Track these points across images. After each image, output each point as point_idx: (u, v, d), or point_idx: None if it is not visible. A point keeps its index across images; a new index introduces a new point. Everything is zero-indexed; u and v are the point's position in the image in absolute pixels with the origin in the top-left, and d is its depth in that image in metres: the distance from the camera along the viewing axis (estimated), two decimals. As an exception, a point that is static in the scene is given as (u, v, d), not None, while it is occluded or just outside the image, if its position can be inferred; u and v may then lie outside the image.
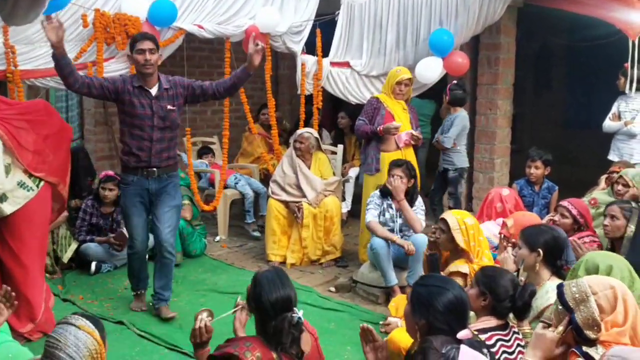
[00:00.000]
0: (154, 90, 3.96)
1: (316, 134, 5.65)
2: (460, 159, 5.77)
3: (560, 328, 2.13)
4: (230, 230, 6.22)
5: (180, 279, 4.85)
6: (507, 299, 2.62)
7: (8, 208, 3.51)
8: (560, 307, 2.16)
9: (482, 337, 2.48)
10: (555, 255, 3.13)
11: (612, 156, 5.54)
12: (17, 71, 4.39)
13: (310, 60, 5.90)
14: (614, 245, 3.74)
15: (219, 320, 2.57)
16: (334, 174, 5.73)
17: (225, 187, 6.16)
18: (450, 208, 5.54)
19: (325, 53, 6.00)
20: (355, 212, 6.22)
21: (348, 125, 6.86)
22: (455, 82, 5.80)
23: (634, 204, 3.74)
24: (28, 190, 3.58)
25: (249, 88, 6.93)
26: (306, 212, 5.29)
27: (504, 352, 2.48)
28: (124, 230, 4.96)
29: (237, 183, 6.21)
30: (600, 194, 4.66)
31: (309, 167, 5.50)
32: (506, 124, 6.35)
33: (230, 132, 6.08)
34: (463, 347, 2.06)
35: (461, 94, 5.71)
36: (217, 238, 6.05)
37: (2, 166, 3.45)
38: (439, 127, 5.91)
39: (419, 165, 5.25)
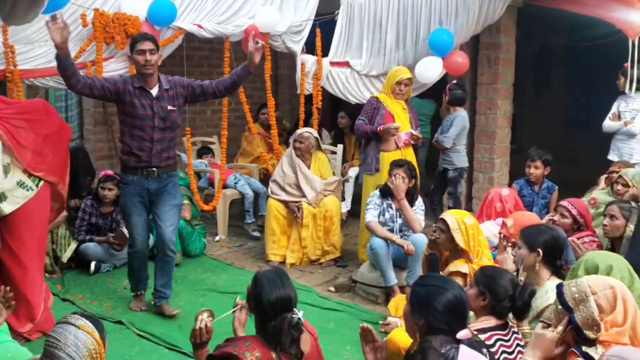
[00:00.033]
0: (154, 91, 3.97)
1: (316, 134, 5.64)
2: (460, 159, 5.77)
3: (560, 328, 2.13)
4: (229, 230, 6.22)
5: (179, 278, 4.84)
6: (506, 299, 2.61)
7: (7, 208, 3.51)
8: (559, 307, 2.16)
9: (482, 337, 2.48)
10: (555, 255, 3.13)
11: (612, 156, 5.54)
12: (17, 71, 4.39)
13: (310, 59, 5.89)
14: (614, 245, 3.74)
15: (219, 320, 2.57)
16: (333, 173, 5.73)
17: (225, 186, 6.16)
18: (449, 208, 5.54)
19: (325, 53, 5.99)
20: (355, 212, 6.21)
21: (348, 125, 6.86)
22: (455, 81, 5.80)
23: (633, 204, 3.74)
24: (27, 190, 3.58)
25: (248, 88, 6.93)
26: (306, 212, 5.29)
27: (503, 352, 2.48)
28: (124, 230, 4.96)
29: (236, 183, 6.21)
30: (600, 193, 4.66)
31: (309, 167, 5.50)
32: (506, 123, 6.35)
33: (230, 132, 6.08)
34: (462, 347, 2.06)
35: (461, 93, 5.70)
36: (217, 238, 6.04)
37: (1, 166, 3.45)
38: (439, 127, 5.90)
39: (418, 165, 5.25)
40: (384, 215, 4.58)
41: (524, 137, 8.55)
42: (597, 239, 3.97)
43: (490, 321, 2.59)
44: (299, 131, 5.62)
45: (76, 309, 4.20)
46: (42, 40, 4.49)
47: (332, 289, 4.81)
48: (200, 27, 5.22)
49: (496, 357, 2.45)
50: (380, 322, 4.03)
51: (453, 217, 3.66)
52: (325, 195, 5.40)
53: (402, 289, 4.38)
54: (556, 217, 4.14)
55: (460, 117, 5.69)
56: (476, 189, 6.47)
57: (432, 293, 2.25)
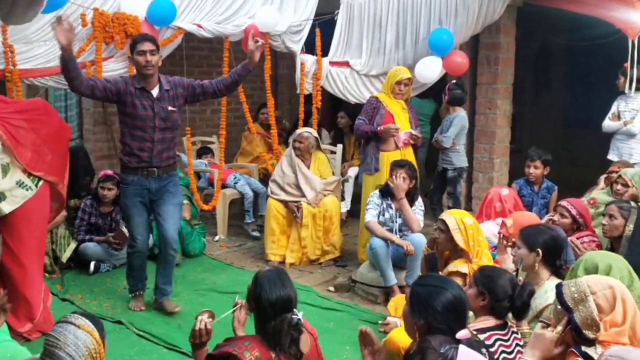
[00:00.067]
0: (155, 92, 3.98)
1: (315, 134, 5.64)
2: (459, 159, 5.77)
3: (559, 328, 2.13)
4: (229, 230, 6.22)
5: (179, 278, 4.84)
6: (505, 299, 2.61)
7: (6, 207, 3.51)
8: (559, 306, 2.16)
9: (481, 336, 2.48)
10: (555, 255, 3.13)
11: (612, 156, 5.54)
12: (16, 70, 4.39)
13: (309, 59, 5.89)
14: (613, 245, 3.74)
15: (219, 320, 2.56)
16: (333, 173, 5.73)
17: (225, 186, 6.16)
18: (449, 208, 5.54)
19: (325, 52, 5.99)
20: (355, 212, 6.21)
21: (347, 125, 6.86)
22: (454, 81, 5.80)
23: (632, 204, 3.74)
24: (27, 190, 3.58)
25: (248, 87, 6.93)
26: (305, 212, 5.29)
27: (502, 351, 2.48)
28: (124, 229, 4.97)
29: (236, 183, 6.21)
30: (599, 193, 4.66)
31: (308, 167, 5.50)
32: (505, 123, 6.35)
33: (230, 132, 6.08)
34: (461, 346, 2.06)
35: (460, 93, 5.70)
36: (217, 238, 6.04)
37: (0, 165, 3.45)
38: (439, 127, 5.90)
39: (418, 164, 5.25)
40: (383, 215, 4.58)
41: (524, 137, 8.55)
42: (596, 239, 3.97)
43: (490, 321, 2.59)
44: (298, 131, 5.62)
45: (76, 309, 4.20)
46: (41, 39, 4.49)
47: (332, 288, 4.81)
48: (199, 26, 5.22)
49: (495, 357, 2.45)
50: (380, 322, 4.03)
51: (452, 217, 3.66)
52: (324, 195, 5.40)
53: (401, 288, 4.38)
54: (556, 217, 4.14)
55: (459, 117, 5.69)
56: (476, 189, 6.47)
57: (432, 293, 2.25)
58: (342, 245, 5.54)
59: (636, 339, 2.06)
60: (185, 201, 5.24)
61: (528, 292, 2.65)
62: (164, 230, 4.13)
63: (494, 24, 5.87)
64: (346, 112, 6.90)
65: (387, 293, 4.46)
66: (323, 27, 5.99)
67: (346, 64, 6.02)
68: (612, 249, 3.69)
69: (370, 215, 4.53)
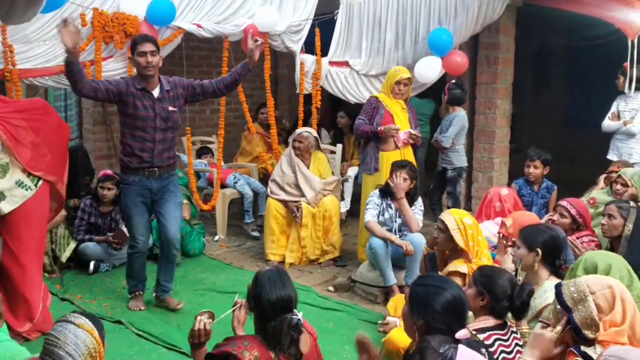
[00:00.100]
0: (155, 92, 3.99)
1: (315, 134, 5.64)
2: (459, 159, 5.77)
3: (559, 328, 2.13)
4: (229, 230, 6.22)
5: (179, 278, 4.83)
6: (505, 299, 2.61)
7: (6, 207, 3.51)
8: (558, 306, 2.16)
9: (481, 336, 2.47)
10: (554, 255, 3.13)
11: (611, 155, 5.54)
12: (15, 70, 4.39)
13: (309, 59, 5.89)
14: (613, 245, 3.74)
15: (219, 320, 2.56)
16: (332, 173, 5.73)
17: (224, 186, 6.16)
18: (449, 207, 5.54)
19: (324, 52, 5.99)
20: (354, 212, 6.21)
21: (347, 125, 6.86)
22: (453, 81, 5.80)
23: (632, 203, 3.74)
24: (26, 190, 3.58)
25: (248, 87, 6.93)
26: (305, 212, 5.29)
27: (502, 351, 2.48)
28: (123, 228, 4.97)
29: (236, 182, 6.21)
30: (599, 193, 4.66)
31: (308, 167, 5.50)
32: (505, 123, 6.35)
33: (230, 132, 6.08)
34: (461, 346, 2.06)
35: (460, 93, 5.70)
36: (216, 237, 6.04)
37: (-1, 165, 3.46)
38: (438, 127, 5.90)
39: (418, 164, 5.25)
40: (383, 215, 4.58)
41: (523, 136, 8.55)
42: (596, 239, 3.97)
43: (489, 321, 2.59)
44: (298, 131, 5.61)
45: (75, 309, 4.19)
46: (41, 39, 4.49)
47: (331, 288, 4.81)
48: (199, 26, 5.22)
49: (495, 356, 2.45)
50: (379, 321, 4.03)
51: (452, 216, 3.66)
52: (324, 195, 5.40)
53: (401, 288, 4.38)
54: (555, 217, 4.14)
55: (459, 116, 5.69)
56: (475, 189, 6.47)
57: (431, 293, 2.25)
58: (342, 245, 5.54)
59: (635, 339, 2.06)
60: (185, 201, 5.23)
61: (527, 291, 2.65)
62: (167, 229, 4.15)
63: (493, 24, 5.87)
64: (346, 111, 6.90)
65: (387, 293, 4.46)
66: (323, 26, 5.98)
67: (346, 63, 6.03)
68: (612, 248, 3.69)
69: (369, 215, 4.53)
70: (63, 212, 4.75)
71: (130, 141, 4.00)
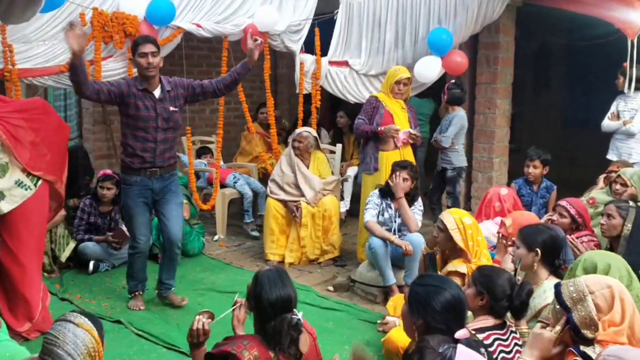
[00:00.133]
0: (157, 93, 4.01)
1: (315, 133, 5.64)
2: (459, 158, 5.77)
3: (558, 327, 2.13)
4: (228, 230, 6.22)
5: (178, 278, 4.80)
6: (504, 299, 2.61)
7: (5, 207, 3.50)
8: (557, 306, 2.16)
9: (480, 336, 2.48)
10: (553, 255, 3.13)
11: (611, 155, 5.54)
12: (15, 70, 4.38)
13: (308, 59, 5.89)
14: (613, 244, 3.74)
15: (219, 320, 2.56)
16: (332, 173, 5.73)
17: (224, 186, 6.16)
18: (448, 207, 5.53)
19: (324, 52, 5.99)
20: (354, 212, 6.21)
21: (347, 125, 6.86)
22: (453, 81, 5.80)
23: (631, 203, 3.74)
24: (26, 190, 3.58)
25: (247, 87, 6.93)
26: (304, 212, 5.29)
27: (501, 351, 2.48)
28: (123, 228, 4.97)
29: (235, 182, 6.21)
30: (598, 193, 4.66)
31: (308, 167, 5.50)
32: (505, 123, 6.35)
33: (229, 131, 6.07)
34: (460, 346, 2.06)
35: (459, 93, 5.70)
36: (216, 237, 6.05)
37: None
38: (438, 127, 5.90)
39: (417, 164, 5.25)
40: (383, 215, 4.58)
41: (523, 136, 8.55)
42: (595, 239, 3.97)
43: (488, 321, 2.59)
44: (297, 130, 5.61)
45: (75, 309, 4.18)
46: (40, 39, 4.49)
47: (331, 288, 4.81)
48: (199, 26, 5.22)
49: (494, 356, 2.45)
50: (379, 321, 4.03)
51: (452, 216, 3.67)
52: (324, 195, 5.40)
53: (400, 288, 4.38)
54: (555, 217, 4.14)
55: (458, 116, 5.68)
56: (475, 189, 6.47)
57: (430, 293, 2.25)
58: (341, 245, 5.54)
59: (634, 339, 2.06)
60: (184, 200, 5.24)
61: (527, 291, 2.65)
62: (169, 229, 4.18)
63: (493, 24, 5.87)
64: (345, 111, 6.90)
65: (386, 292, 4.46)
66: (322, 26, 5.98)
67: (345, 63, 6.02)
68: (612, 248, 3.69)
69: (369, 215, 4.53)
70: (63, 212, 4.76)
71: (131, 142, 4.01)
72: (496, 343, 2.49)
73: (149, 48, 3.89)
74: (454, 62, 5.64)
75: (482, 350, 2.27)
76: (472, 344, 2.20)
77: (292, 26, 5.76)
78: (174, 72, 5.14)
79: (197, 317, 2.47)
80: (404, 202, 4.49)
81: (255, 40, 4.07)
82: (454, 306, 2.22)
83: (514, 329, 2.65)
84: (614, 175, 4.55)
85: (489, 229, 4.20)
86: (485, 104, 6.27)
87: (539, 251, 3.05)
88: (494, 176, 6.32)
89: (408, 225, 4.48)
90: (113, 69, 4.84)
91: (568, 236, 3.84)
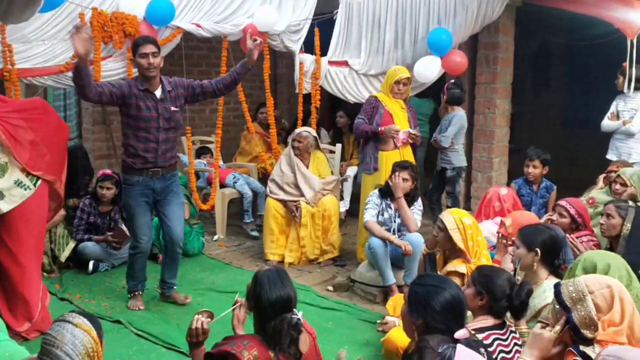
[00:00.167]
0: (158, 93, 4.02)
1: (314, 133, 5.64)
2: (458, 158, 5.76)
3: (558, 327, 2.13)
4: (228, 230, 6.22)
5: (178, 277, 4.83)
6: (504, 298, 2.61)
7: (4, 206, 3.50)
8: (557, 306, 2.16)
9: (480, 336, 2.48)
10: (553, 255, 3.13)
11: (611, 155, 5.54)
12: (14, 70, 4.38)
13: (308, 59, 5.89)
14: (612, 244, 3.74)
15: (218, 319, 2.56)
16: (332, 173, 5.73)
17: (224, 186, 6.16)
18: (448, 207, 5.53)
19: (324, 52, 5.99)
20: (354, 211, 6.21)
21: (346, 125, 6.86)
22: (452, 81, 5.80)
23: (630, 203, 3.74)
24: (25, 189, 3.58)
25: (247, 87, 6.94)
26: (304, 211, 5.29)
27: (501, 351, 2.48)
28: (123, 227, 4.97)
29: (235, 182, 6.21)
30: (598, 193, 4.66)
31: (307, 166, 5.50)
32: (504, 123, 6.35)
33: (229, 131, 6.07)
34: (459, 346, 2.06)
35: (459, 92, 5.70)
36: (215, 237, 6.04)
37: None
38: (438, 126, 5.90)
39: (417, 164, 5.25)
40: (382, 215, 4.58)
41: (523, 136, 8.56)
42: (595, 239, 3.97)
43: (488, 321, 2.59)
44: (297, 130, 5.61)
45: (74, 309, 4.19)
46: (40, 39, 4.49)
47: (331, 288, 4.81)
48: (198, 26, 5.22)
49: (494, 356, 2.45)
50: (378, 321, 4.02)
51: (451, 216, 3.66)
52: (323, 195, 5.40)
53: (400, 288, 4.38)
54: (554, 217, 4.14)
55: (458, 116, 5.68)
56: (475, 189, 6.47)
57: (430, 293, 2.25)
58: (341, 245, 5.54)
59: (634, 338, 2.06)
60: (184, 200, 5.24)
61: (526, 291, 2.65)
62: (171, 230, 4.21)
63: (492, 24, 5.87)
64: (345, 111, 6.90)
65: (386, 292, 4.46)
66: (322, 26, 5.98)
67: (345, 63, 6.02)
68: (611, 248, 3.69)
69: (369, 214, 4.53)
70: (62, 212, 4.76)
71: (133, 142, 4.02)
72: (496, 343, 2.49)
73: (149, 48, 3.90)
74: (453, 62, 5.64)
75: (482, 350, 2.27)
76: (472, 343, 2.20)
77: (292, 26, 5.76)
78: (174, 72, 5.14)
79: (196, 316, 2.47)
80: (403, 202, 4.49)
81: (255, 40, 4.08)
82: (453, 306, 2.22)
83: (513, 328, 2.65)
84: (613, 175, 4.55)
85: (489, 228, 4.20)
86: (484, 104, 6.27)
87: (539, 251, 3.04)
88: (494, 176, 6.32)
89: (407, 225, 4.48)
90: (112, 68, 4.84)
91: (568, 235, 3.85)
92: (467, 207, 6.25)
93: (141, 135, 4.00)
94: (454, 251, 3.65)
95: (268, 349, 2.36)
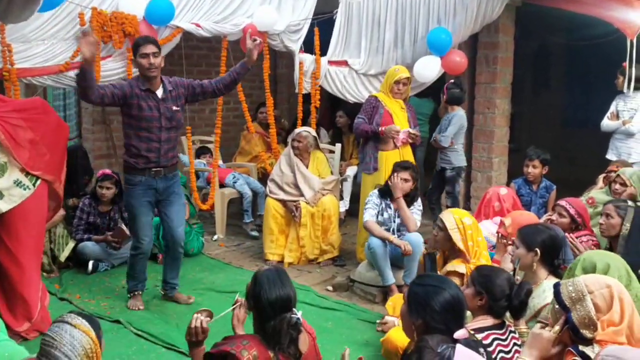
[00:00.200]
0: (159, 92, 4.04)
1: (314, 133, 5.64)
2: (458, 158, 5.76)
3: (557, 327, 2.13)
4: (228, 229, 6.22)
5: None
6: (503, 298, 2.61)
7: (4, 206, 3.50)
8: (556, 306, 2.16)
9: (479, 336, 2.47)
10: (553, 255, 3.13)
11: (610, 155, 5.54)
12: (14, 70, 4.38)
13: (308, 58, 5.89)
14: (612, 244, 3.74)
15: (218, 319, 2.56)
16: (331, 173, 5.73)
17: (224, 186, 6.16)
18: (447, 207, 5.53)
19: (324, 52, 5.99)
20: (353, 211, 6.20)
21: (346, 124, 6.86)
22: (452, 80, 5.80)
23: (630, 203, 3.74)
24: (24, 189, 3.57)
25: (247, 86, 6.93)
26: (304, 211, 5.29)
27: (500, 351, 2.48)
28: (122, 227, 4.97)
29: (235, 182, 6.21)
30: (598, 193, 4.66)
31: (307, 166, 5.50)
32: (504, 123, 6.35)
33: (229, 131, 6.06)
34: (458, 346, 2.06)
35: (459, 92, 5.70)
36: (215, 237, 6.04)
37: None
38: (437, 126, 5.90)
39: (417, 164, 5.25)
40: (382, 214, 4.58)
41: (523, 136, 8.56)
42: (595, 239, 3.98)
43: (487, 320, 2.59)
44: (297, 130, 5.61)
45: (74, 308, 4.19)
46: (39, 39, 4.49)
47: (330, 288, 4.81)
48: (198, 26, 5.22)
49: (493, 356, 2.45)
50: (378, 321, 4.02)
51: (452, 216, 3.67)
52: (323, 195, 5.40)
53: (399, 288, 4.38)
54: (554, 217, 4.15)
55: (458, 116, 5.68)
56: (474, 188, 6.47)
57: (430, 293, 2.24)
58: (341, 245, 5.54)
59: (633, 338, 2.06)
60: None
61: (525, 291, 2.65)
62: (173, 230, 4.24)
63: (492, 23, 5.87)
64: (345, 111, 6.89)
65: (386, 292, 4.46)
66: (322, 26, 5.98)
67: (345, 63, 6.02)
68: (611, 248, 3.69)
69: (368, 214, 4.53)
70: (62, 212, 4.76)
71: (135, 142, 4.02)
72: (495, 343, 2.49)
73: (150, 49, 3.91)
74: (453, 62, 5.64)
75: (481, 350, 2.27)
76: (471, 343, 2.20)
77: (292, 26, 5.75)
78: (174, 71, 5.14)
79: (195, 315, 2.46)
80: (402, 202, 4.49)
81: (255, 40, 4.09)
82: (453, 306, 2.22)
83: (513, 328, 2.65)
84: (613, 175, 4.55)
85: (488, 228, 4.20)
86: (484, 104, 6.27)
87: (538, 251, 3.04)
88: (494, 176, 6.32)
89: (407, 225, 4.48)
90: (112, 68, 4.84)
91: (568, 235, 3.85)
92: (467, 207, 6.25)
93: (143, 135, 4.01)
94: (453, 251, 3.65)
95: (267, 349, 2.35)
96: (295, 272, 5.10)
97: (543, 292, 2.94)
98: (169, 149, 4.12)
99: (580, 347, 2.05)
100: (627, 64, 5.19)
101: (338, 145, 6.52)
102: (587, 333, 2.05)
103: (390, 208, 4.58)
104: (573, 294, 2.10)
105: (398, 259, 4.46)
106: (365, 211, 4.58)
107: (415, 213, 4.55)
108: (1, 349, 2.63)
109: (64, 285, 4.70)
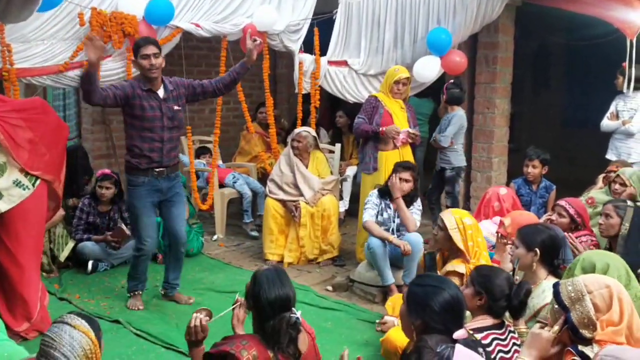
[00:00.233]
0: (161, 92, 4.05)
1: (314, 133, 5.64)
2: (458, 158, 5.76)
3: (556, 327, 2.13)
4: (227, 229, 6.22)
5: (177, 277, 4.84)
6: (502, 298, 2.61)
7: (3, 206, 3.50)
8: (556, 306, 2.16)
9: (478, 336, 2.47)
10: (552, 255, 3.13)
11: (610, 155, 5.54)
12: (13, 69, 4.37)
13: (308, 58, 5.89)
14: (612, 244, 3.74)
15: (218, 319, 2.56)
16: (331, 173, 5.73)
17: (223, 186, 6.16)
18: (447, 207, 5.53)
19: (323, 52, 5.99)
20: (353, 211, 6.20)
21: (346, 124, 6.86)
22: (452, 80, 5.80)
23: (629, 203, 3.74)
24: (24, 189, 3.57)
25: (247, 86, 6.93)
26: (303, 211, 5.29)
27: (499, 351, 2.48)
28: (122, 226, 4.97)
29: (235, 182, 6.21)
30: (597, 193, 4.66)
31: (307, 166, 5.50)
32: (504, 123, 6.35)
33: (229, 131, 6.06)
34: (458, 346, 2.06)
35: (458, 92, 5.70)
36: (215, 237, 6.04)
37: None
38: (437, 126, 5.90)
39: (416, 164, 5.25)
40: (382, 215, 4.58)
41: (522, 136, 8.56)
42: (594, 239, 3.98)
43: (487, 320, 2.59)
44: (297, 130, 5.61)
45: (73, 308, 4.20)
46: (39, 38, 4.48)
47: (330, 288, 4.81)
48: (197, 26, 5.21)
49: (493, 356, 2.45)
50: (377, 321, 4.03)
51: (452, 216, 3.67)
52: (323, 195, 5.40)
53: (399, 288, 4.38)
54: (554, 217, 4.15)
55: (457, 116, 5.68)
56: (474, 188, 6.47)
57: (429, 293, 2.25)
58: (340, 245, 5.54)
59: (633, 338, 2.06)
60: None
61: (525, 291, 2.65)
62: (175, 230, 4.25)
63: (492, 23, 5.86)
64: (345, 111, 6.89)
65: (385, 292, 4.46)
66: (321, 26, 5.98)
67: (344, 63, 6.02)
68: (611, 248, 3.69)
69: (368, 214, 4.53)
70: (62, 212, 4.76)
71: (138, 143, 4.03)
72: (494, 343, 2.49)
73: (150, 49, 3.92)
74: (453, 62, 5.64)
75: (480, 350, 2.27)
76: (470, 343, 2.20)
77: (291, 26, 5.75)
78: (174, 72, 5.14)
79: (195, 314, 2.47)
80: (401, 202, 4.49)
81: (255, 40, 4.11)
82: (452, 306, 2.22)
83: (512, 328, 2.65)
84: (613, 175, 4.55)
85: (488, 228, 4.19)
86: (484, 104, 6.27)
87: (538, 251, 3.04)
88: (493, 176, 6.32)
89: (406, 225, 4.48)
90: (111, 68, 4.83)
91: (567, 235, 3.84)
92: (467, 207, 6.25)
93: (146, 135, 4.02)
94: (453, 251, 3.65)
95: (267, 349, 2.35)
96: (295, 272, 5.10)
97: (542, 292, 2.94)
98: (171, 148, 4.13)
99: (580, 347, 2.05)
100: (626, 64, 5.20)
101: (338, 145, 6.52)
102: (586, 333, 2.05)
103: (389, 208, 4.58)
104: (572, 294, 2.10)
105: (397, 259, 4.46)
106: (365, 211, 4.58)
107: (414, 213, 4.55)
108: (1, 349, 2.63)
109: (64, 285, 4.70)
